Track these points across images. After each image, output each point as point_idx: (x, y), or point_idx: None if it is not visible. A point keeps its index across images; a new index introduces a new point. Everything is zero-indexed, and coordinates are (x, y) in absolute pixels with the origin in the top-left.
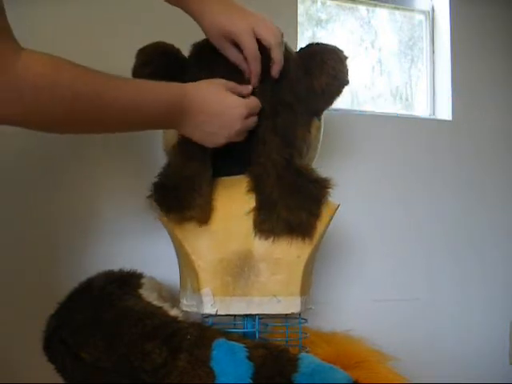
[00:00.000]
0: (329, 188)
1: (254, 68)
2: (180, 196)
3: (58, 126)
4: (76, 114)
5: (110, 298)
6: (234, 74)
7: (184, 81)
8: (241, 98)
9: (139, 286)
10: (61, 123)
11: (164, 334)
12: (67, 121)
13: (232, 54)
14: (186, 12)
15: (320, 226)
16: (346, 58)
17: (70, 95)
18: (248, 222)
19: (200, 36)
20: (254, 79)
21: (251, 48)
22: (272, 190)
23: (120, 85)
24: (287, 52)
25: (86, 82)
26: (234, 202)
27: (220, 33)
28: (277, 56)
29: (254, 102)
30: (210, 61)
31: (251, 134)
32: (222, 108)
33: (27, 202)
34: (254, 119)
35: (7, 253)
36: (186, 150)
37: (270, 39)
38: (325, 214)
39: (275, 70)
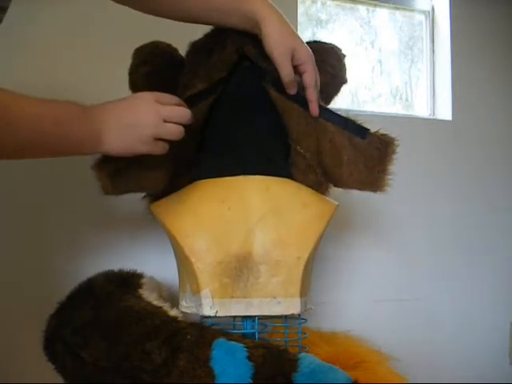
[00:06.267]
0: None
1: (314, 95)
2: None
3: None
4: None
5: (110, 298)
6: None
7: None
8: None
9: (139, 285)
10: None
11: (164, 334)
12: None
13: (288, 68)
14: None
15: (319, 227)
16: (344, 56)
17: None
18: (247, 224)
19: (198, 35)
20: (315, 105)
21: (314, 78)
22: None
23: (27, 102)
24: None
25: None
26: (233, 203)
27: (287, 49)
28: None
29: (175, 108)
30: None
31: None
32: (129, 100)
33: (29, 202)
34: (177, 127)
35: (7, 253)
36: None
37: (311, 81)
38: (324, 213)
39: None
